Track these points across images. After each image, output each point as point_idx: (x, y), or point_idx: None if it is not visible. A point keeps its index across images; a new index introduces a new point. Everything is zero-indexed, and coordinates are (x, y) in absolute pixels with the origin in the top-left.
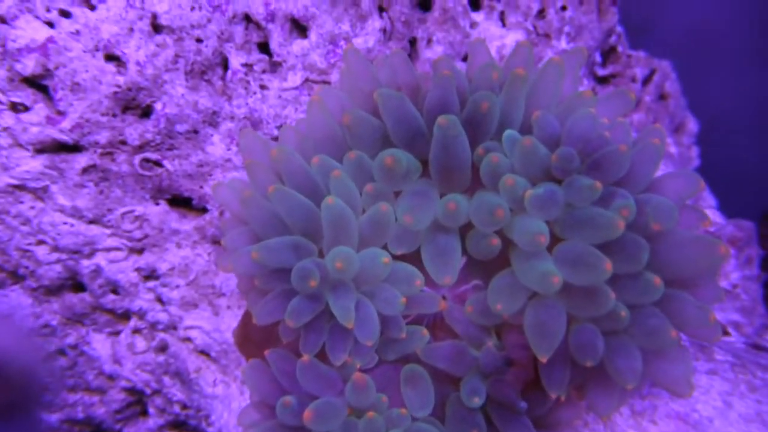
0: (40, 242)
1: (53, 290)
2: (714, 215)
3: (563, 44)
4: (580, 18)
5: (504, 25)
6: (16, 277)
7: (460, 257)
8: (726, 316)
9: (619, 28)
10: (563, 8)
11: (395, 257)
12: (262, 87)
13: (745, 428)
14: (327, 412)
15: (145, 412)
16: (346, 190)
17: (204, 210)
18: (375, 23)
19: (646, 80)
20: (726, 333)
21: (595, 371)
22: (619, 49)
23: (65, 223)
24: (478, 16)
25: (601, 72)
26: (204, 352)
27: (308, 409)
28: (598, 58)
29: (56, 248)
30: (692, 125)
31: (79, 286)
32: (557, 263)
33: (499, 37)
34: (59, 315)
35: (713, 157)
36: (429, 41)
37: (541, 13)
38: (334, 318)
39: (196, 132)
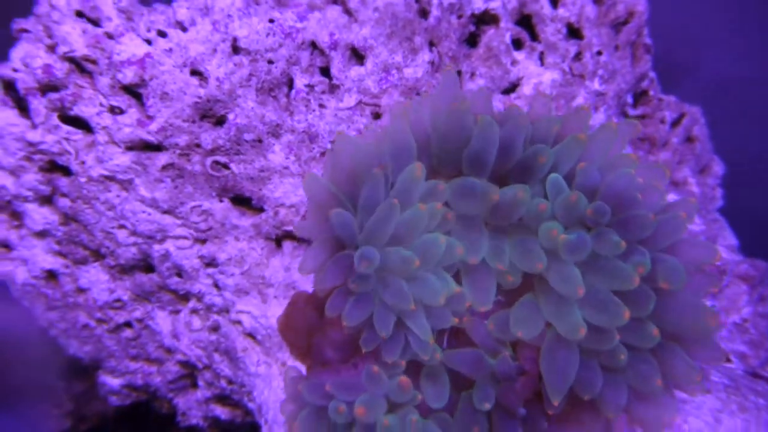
0: (121, 226)
1: (127, 269)
2: (733, 254)
3: (596, 85)
4: (614, 63)
5: (542, 64)
6: (98, 255)
7: (495, 289)
8: (733, 347)
9: (651, 74)
10: (599, 53)
11: None
12: (321, 106)
13: None
14: (374, 406)
15: (195, 385)
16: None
17: (261, 210)
18: (425, 56)
19: (675, 123)
20: (728, 360)
21: (589, 405)
22: (651, 92)
23: (143, 212)
24: (519, 55)
25: (632, 112)
26: (251, 335)
27: (360, 407)
28: (629, 99)
29: (134, 233)
30: (718, 168)
31: (149, 268)
32: (581, 302)
33: (536, 75)
34: (130, 291)
35: (739, 201)
36: (472, 75)
37: (577, 56)
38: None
39: (260, 141)
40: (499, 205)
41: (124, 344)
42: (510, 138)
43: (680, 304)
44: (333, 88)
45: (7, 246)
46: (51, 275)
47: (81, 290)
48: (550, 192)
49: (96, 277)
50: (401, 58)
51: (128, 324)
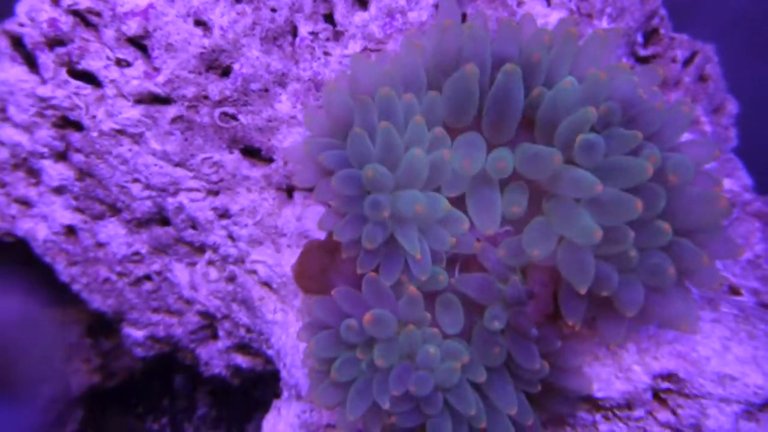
0: (135, 180)
1: (143, 223)
2: (747, 193)
3: (604, 24)
4: (622, 0)
5: (549, 4)
6: (115, 210)
7: (500, 209)
8: (746, 284)
9: (662, 11)
10: None
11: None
12: (326, 53)
13: (739, 368)
14: (383, 320)
15: (215, 335)
16: (422, 136)
17: (270, 160)
18: None
19: (687, 62)
20: (738, 293)
21: (605, 307)
22: (662, 31)
23: (156, 165)
24: None
25: (642, 52)
26: (266, 284)
27: (368, 314)
28: (639, 38)
29: (148, 186)
30: (732, 107)
31: (164, 221)
32: (590, 205)
33: (543, 16)
34: (147, 245)
35: (754, 140)
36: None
37: None
38: (389, 244)
39: (267, 91)
40: (496, 87)
41: (145, 297)
42: (503, 48)
43: (689, 197)
44: (337, 35)
45: (26, 203)
46: (70, 231)
47: (100, 245)
48: (575, 87)
49: (114, 232)
50: (405, 2)
51: (148, 277)
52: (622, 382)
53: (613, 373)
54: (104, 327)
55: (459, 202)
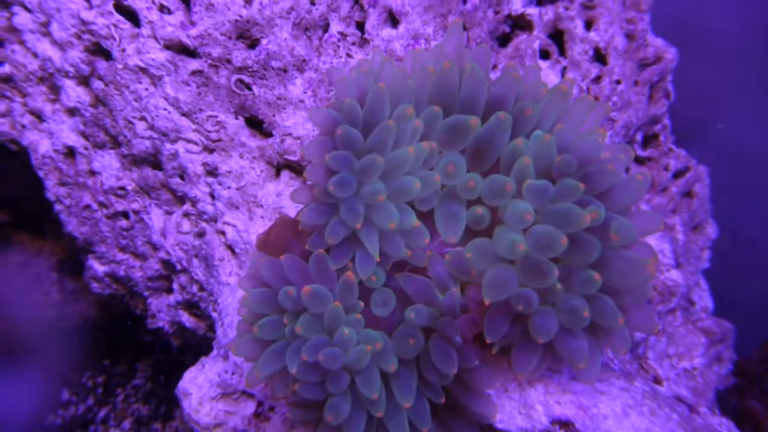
0: (142, 118)
1: (138, 161)
2: (704, 313)
3: None
4: (630, 94)
5: (562, 77)
6: (116, 143)
7: (464, 223)
8: (677, 390)
9: (666, 121)
10: (618, 82)
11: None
12: (348, 55)
13: None
14: (320, 295)
15: (170, 289)
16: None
17: (270, 135)
18: None
19: (679, 174)
20: (659, 383)
21: (522, 336)
22: (662, 138)
23: (165, 109)
24: (543, 64)
25: (639, 152)
26: (230, 247)
27: (308, 286)
28: (639, 137)
29: (152, 127)
30: (711, 230)
31: (157, 164)
32: (527, 237)
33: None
34: (135, 183)
35: (727, 269)
36: (494, 67)
37: (597, 79)
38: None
39: (285, 71)
40: (485, 128)
41: (117, 233)
42: (501, 93)
43: (623, 258)
44: (363, 42)
45: (39, 117)
46: (70, 152)
47: (92, 173)
48: (531, 142)
49: (109, 163)
50: (432, 31)
51: (125, 214)
52: (523, 419)
53: (517, 408)
54: (72, 267)
55: (427, 216)
